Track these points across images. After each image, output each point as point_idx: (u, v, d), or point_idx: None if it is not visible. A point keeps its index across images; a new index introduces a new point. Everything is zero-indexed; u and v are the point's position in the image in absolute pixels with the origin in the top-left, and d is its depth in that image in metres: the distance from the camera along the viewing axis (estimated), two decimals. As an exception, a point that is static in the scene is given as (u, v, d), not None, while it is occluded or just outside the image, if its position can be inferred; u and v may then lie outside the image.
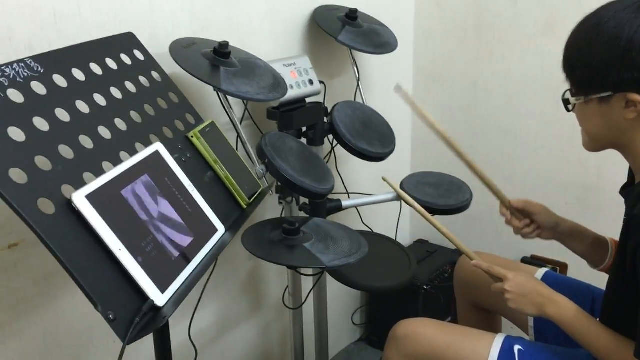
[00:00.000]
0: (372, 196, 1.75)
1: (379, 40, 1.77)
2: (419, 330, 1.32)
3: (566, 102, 1.13)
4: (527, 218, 1.38)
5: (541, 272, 1.48)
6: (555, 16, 1.91)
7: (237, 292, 1.77)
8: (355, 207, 1.80)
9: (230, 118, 1.39)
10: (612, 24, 1.03)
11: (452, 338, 1.29)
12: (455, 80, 2.19)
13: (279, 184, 1.51)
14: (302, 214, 1.71)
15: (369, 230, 2.03)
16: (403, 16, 2.18)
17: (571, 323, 1.15)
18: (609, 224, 1.94)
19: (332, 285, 1.76)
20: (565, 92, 1.13)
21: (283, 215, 1.69)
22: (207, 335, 1.68)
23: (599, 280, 1.39)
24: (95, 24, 1.24)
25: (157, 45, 1.37)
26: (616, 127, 1.07)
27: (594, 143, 1.14)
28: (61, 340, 1.31)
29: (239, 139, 1.49)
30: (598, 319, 1.25)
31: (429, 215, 1.44)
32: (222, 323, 1.73)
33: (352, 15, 1.74)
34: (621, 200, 1.75)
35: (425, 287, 2.11)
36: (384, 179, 1.57)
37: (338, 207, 1.69)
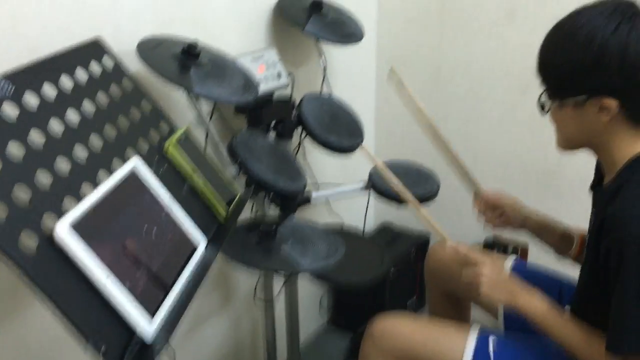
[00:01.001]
0: (340, 186, 1.76)
1: (345, 30, 1.76)
2: (396, 326, 1.35)
3: (542, 105, 1.15)
4: (498, 210, 1.41)
5: (511, 259, 1.52)
6: (517, 5, 1.93)
7: (208, 287, 1.76)
8: (324, 198, 1.80)
9: (202, 121, 1.36)
10: (585, 29, 1.04)
11: (428, 333, 1.32)
12: (418, 67, 2.19)
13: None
14: (273, 206, 1.71)
15: (338, 217, 2.05)
16: (366, 3, 2.16)
17: (542, 316, 1.18)
18: (568, 207, 2.02)
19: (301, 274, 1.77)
20: (541, 94, 1.15)
21: (254, 209, 1.68)
22: (181, 332, 1.67)
23: (560, 262, 1.45)
24: (56, 25, 1.18)
25: (122, 42, 1.32)
26: (590, 129, 1.10)
27: (569, 143, 1.17)
28: (32, 350, 1.27)
29: (208, 139, 1.47)
30: (567, 307, 1.30)
31: (408, 194, 1.41)
32: (194, 318, 1.72)
33: (317, 5, 1.72)
34: (580, 185, 1.80)
35: (391, 269, 2.14)
36: (361, 148, 1.53)
37: (308, 199, 1.69)
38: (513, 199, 1.41)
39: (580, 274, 1.24)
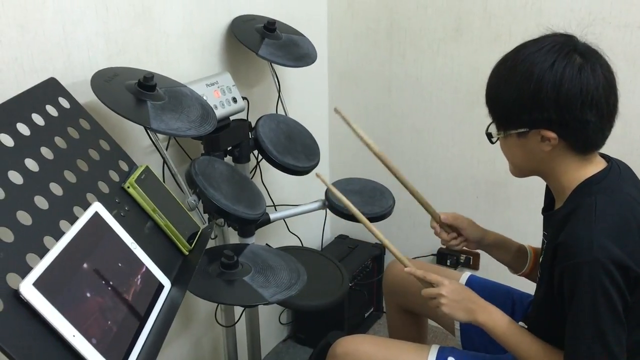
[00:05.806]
0: (298, 207, 1.78)
1: (298, 52, 1.77)
2: (358, 347, 1.38)
3: (489, 136, 1.20)
4: (455, 231, 1.45)
5: (465, 276, 1.57)
6: (463, 21, 1.99)
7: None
8: (283, 218, 1.81)
9: (159, 152, 1.35)
10: (525, 65, 1.09)
11: (389, 353, 1.36)
12: (369, 82, 2.23)
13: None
14: (231, 230, 1.71)
15: (296, 237, 2.06)
16: (316, 19, 2.18)
17: (501, 332, 1.22)
18: (516, 215, 2.09)
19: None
20: (489, 125, 1.19)
21: (214, 236, 1.67)
22: None
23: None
24: (5, 60, 1.15)
25: (74, 74, 1.30)
26: (535, 158, 1.15)
27: (518, 171, 1.22)
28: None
29: (165, 168, 1.46)
30: (521, 323, 1.36)
31: (365, 220, 1.43)
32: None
33: (270, 27, 1.73)
34: (526, 193, 1.85)
35: (349, 284, 2.17)
36: (317, 175, 1.54)
37: (266, 221, 1.70)
38: (468, 220, 1.45)
39: (536, 293, 1.29)
